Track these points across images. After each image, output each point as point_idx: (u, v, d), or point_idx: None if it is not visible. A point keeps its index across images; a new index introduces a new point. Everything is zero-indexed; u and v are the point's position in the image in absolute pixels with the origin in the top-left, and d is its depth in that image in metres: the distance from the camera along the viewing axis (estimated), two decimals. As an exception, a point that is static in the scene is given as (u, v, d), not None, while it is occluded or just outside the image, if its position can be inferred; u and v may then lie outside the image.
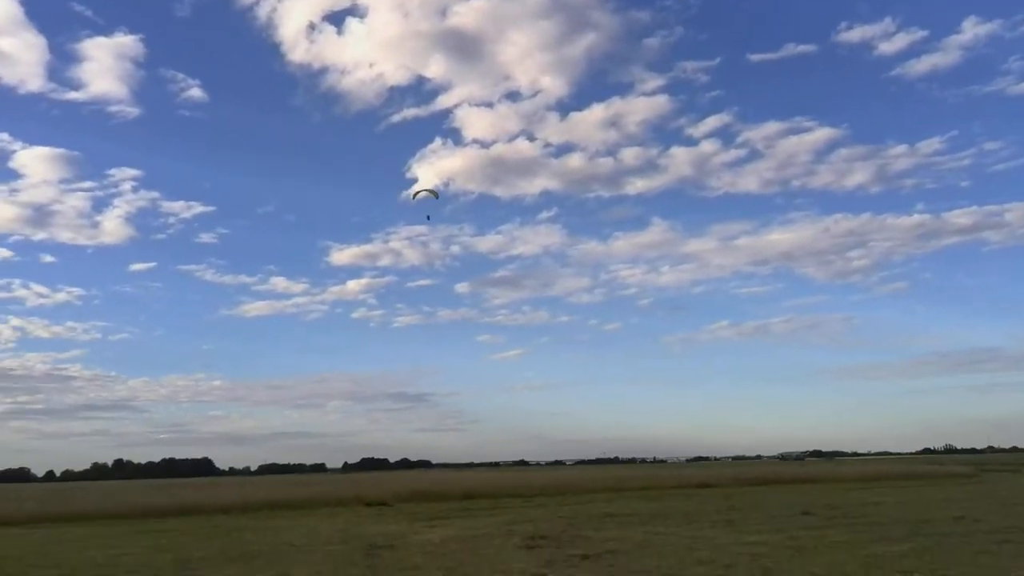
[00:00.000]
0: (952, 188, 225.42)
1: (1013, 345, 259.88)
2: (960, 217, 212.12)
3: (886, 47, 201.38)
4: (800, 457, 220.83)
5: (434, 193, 48.65)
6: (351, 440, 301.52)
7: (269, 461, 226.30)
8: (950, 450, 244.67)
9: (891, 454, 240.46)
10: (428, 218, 65.81)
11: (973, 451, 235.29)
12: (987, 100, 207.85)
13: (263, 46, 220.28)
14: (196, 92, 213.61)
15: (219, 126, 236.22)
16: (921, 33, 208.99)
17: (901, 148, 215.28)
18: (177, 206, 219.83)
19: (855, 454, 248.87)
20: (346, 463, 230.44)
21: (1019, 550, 16.54)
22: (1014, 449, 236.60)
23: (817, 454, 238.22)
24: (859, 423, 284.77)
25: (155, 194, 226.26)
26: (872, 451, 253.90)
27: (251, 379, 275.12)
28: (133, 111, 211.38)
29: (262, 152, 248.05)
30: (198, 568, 17.32)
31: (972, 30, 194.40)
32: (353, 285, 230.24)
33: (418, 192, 48.04)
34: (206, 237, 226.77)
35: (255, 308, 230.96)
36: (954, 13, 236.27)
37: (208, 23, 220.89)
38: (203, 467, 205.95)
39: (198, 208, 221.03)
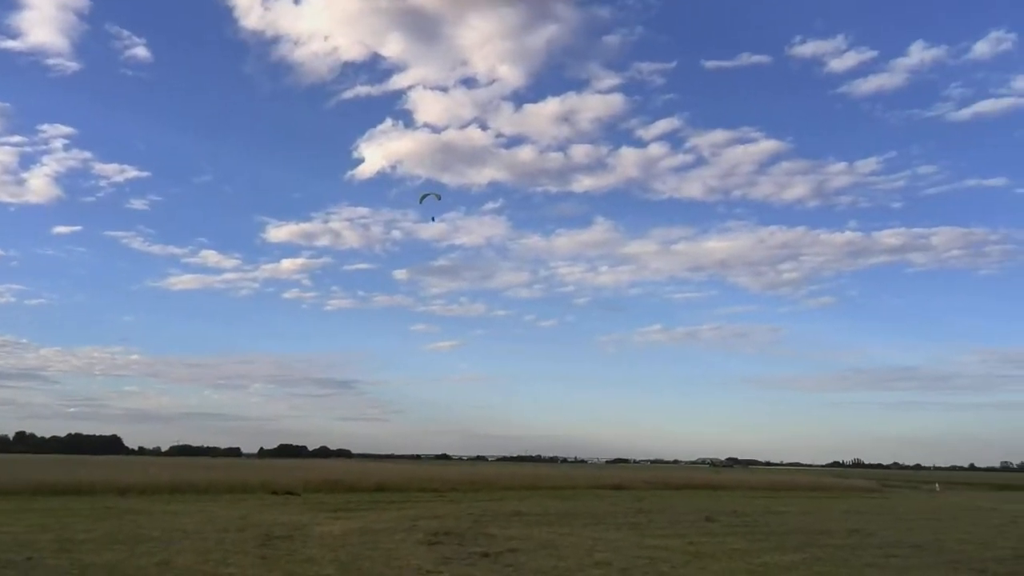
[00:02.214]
0: (884, 208, 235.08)
1: (930, 365, 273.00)
2: (889, 237, 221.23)
3: (836, 64, 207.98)
4: (727, 464, 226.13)
5: (437, 196, 51.16)
6: (270, 425, 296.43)
7: (182, 442, 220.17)
8: (858, 464, 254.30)
9: (802, 465, 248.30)
10: (433, 219, 69.07)
11: (879, 466, 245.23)
12: (926, 124, 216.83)
13: (215, 9, 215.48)
14: (141, 51, 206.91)
15: (162, 89, 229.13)
16: (871, 53, 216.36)
17: (840, 165, 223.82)
18: (110, 168, 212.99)
19: (768, 463, 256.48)
20: (262, 448, 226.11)
21: (905, 564, 17.04)
22: (917, 466, 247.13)
23: (733, 461, 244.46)
24: (775, 433, 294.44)
25: (87, 154, 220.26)
26: (784, 461, 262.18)
27: (171, 355, 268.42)
28: (72, 65, 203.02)
29: (204, 119, 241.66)
30: (79, 550, 16.47)
31: (919, 54, 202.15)
32: (288, 264, 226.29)
33: (425, 195, 50.36)
34: (137, 203, 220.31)
35: (182, 281, 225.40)
36: (903, 36, 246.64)
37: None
38: (111, 445, 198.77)
39: (132, 172, 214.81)
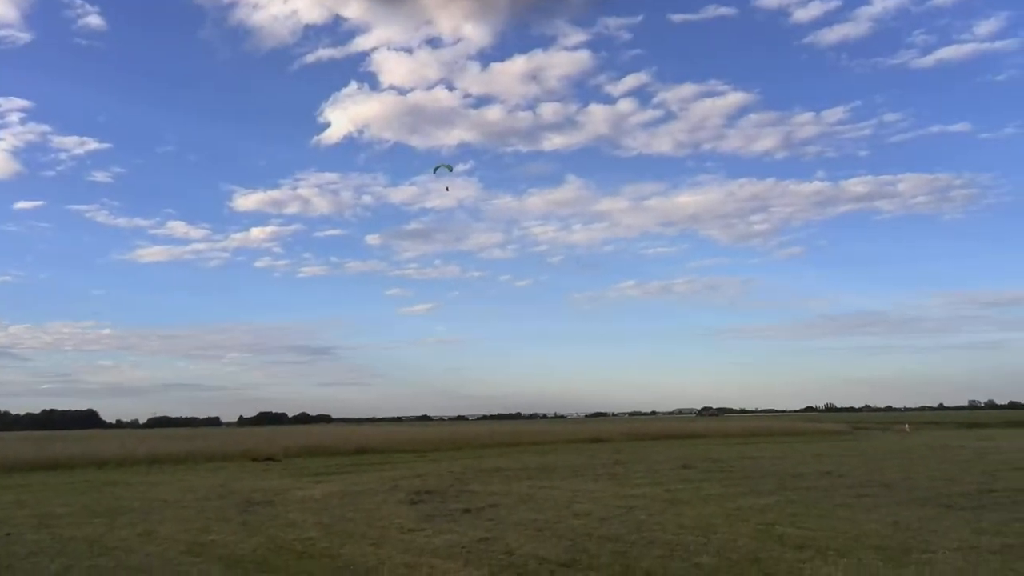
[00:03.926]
0: (851, 157, 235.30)
1: (897, 310, 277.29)
2: (856, 186, 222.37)
3: (801, 14, 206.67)
4: (715, 412, 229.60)
5: (448, 167, 52.34)
6: (249, 393, 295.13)
7: (159, 414, 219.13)
8: (831, 408, 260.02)
9: (776, 411, 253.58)
10: (447, 189, 71.98)
11: (851, 410, 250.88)
12: (891, 72, 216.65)
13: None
14: (94, 19, 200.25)
15: (118, 58, 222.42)
16: (835, 2, 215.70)
17: (807, 116, 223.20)
18: (69, 141, 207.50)
19: (743, 411, 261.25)
20: (242, 417, 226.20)
21: (874, 503, 17.50)
22: (888, 408, 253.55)
23: (708, 411, 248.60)
24: (749, 381, 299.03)
25: (45, 127, 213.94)
26: (759, 408, 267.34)
27: (144, 327, 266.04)
28: (24, 36, 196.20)
29: (164, 87, 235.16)
30: (58, 524, 16.41)
31: (882, 2, 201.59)
32: (257, 232, 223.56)
33: (437, 166, 51.38)
34: (100, 176, 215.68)
35: (151, 253, 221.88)
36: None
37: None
38: (88, 419, 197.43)
39: (92, 144, 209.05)
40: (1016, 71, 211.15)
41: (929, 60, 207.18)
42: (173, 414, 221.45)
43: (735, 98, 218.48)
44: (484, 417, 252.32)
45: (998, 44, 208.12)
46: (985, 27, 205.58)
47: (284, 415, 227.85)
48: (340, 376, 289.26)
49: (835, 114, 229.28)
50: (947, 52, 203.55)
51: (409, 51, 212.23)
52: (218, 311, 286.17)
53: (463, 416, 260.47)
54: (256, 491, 22.58)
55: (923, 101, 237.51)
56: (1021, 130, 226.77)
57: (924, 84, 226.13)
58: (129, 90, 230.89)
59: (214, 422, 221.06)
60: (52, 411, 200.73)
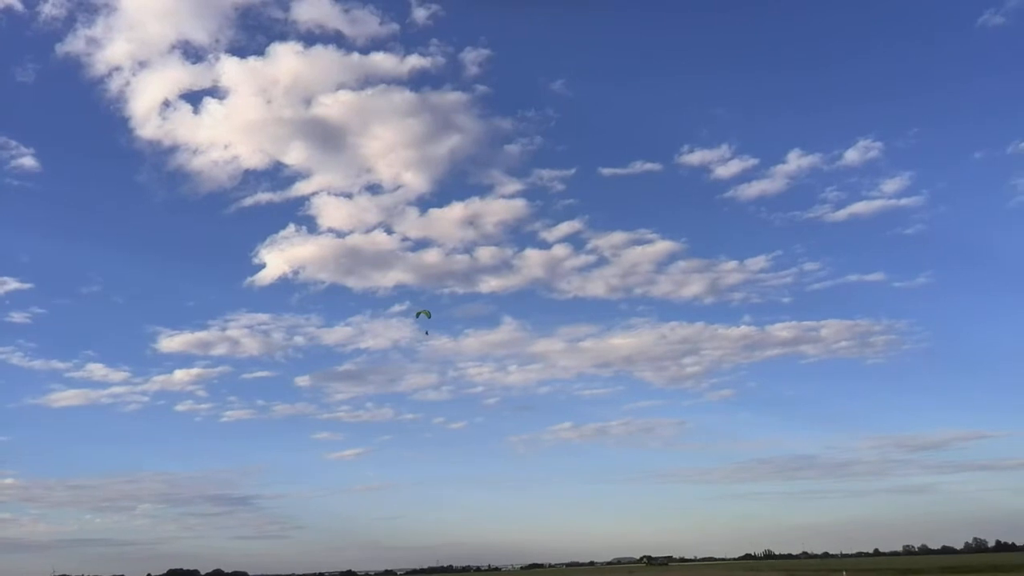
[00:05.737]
0: (775, 303, 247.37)
1: (827, 453, 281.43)
2: (781, 331, 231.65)
3: (722, 171, 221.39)
4: (657, 562, 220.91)
5: (427, 313, 54.33)
6: (159, 548, 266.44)
7: (59, 573, 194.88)
8: (769, 555, 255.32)
9: (716, 559, 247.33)
10: (427, 333, 73.55)
11: (789, 556, 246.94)
12: (807, 225, 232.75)
13: (110, 120, 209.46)
14: (28, 161, 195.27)
15: (50, 198, 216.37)
16: (752, 161, 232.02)
17: (732, 264, 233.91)
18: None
19: (683, 560, 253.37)
20: (149, 575, 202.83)
21: None
22: (825, 554, 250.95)
23: (652, 560, 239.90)
24: (688, 527, 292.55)
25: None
26: (698, 556, 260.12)
27: (50, 477, 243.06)
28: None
29: (94, 229, 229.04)
30: None
31: (796, 161, 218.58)
32: (181, 375, 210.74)
33: (419, 313, 53.51)
34: (18, 316, 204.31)
35: (65, 397, 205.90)
36: (781, 144, 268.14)
37: (52, 92, 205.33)
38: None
39: (12, 284, 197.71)
40: (923, 225, 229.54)
41: (843, 214, 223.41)
42: (74, 572, 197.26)
43: (663, 246, 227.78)
44: (413, 571, 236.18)
45: (904, 201, 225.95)
46: (891, 185, 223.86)
47: (196, 572, 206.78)
48: (260, 528, 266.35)
49: (758, 263, 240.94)
50: (859, 207, 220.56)
51: (349, 196, 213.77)
52: (133, 459, 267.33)
53: (391, 570, 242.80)
54: None
55: (840, 251, 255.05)
56: (933, 280, 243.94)
57: (839, 236, 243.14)
58: (58, 231, 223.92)
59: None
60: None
